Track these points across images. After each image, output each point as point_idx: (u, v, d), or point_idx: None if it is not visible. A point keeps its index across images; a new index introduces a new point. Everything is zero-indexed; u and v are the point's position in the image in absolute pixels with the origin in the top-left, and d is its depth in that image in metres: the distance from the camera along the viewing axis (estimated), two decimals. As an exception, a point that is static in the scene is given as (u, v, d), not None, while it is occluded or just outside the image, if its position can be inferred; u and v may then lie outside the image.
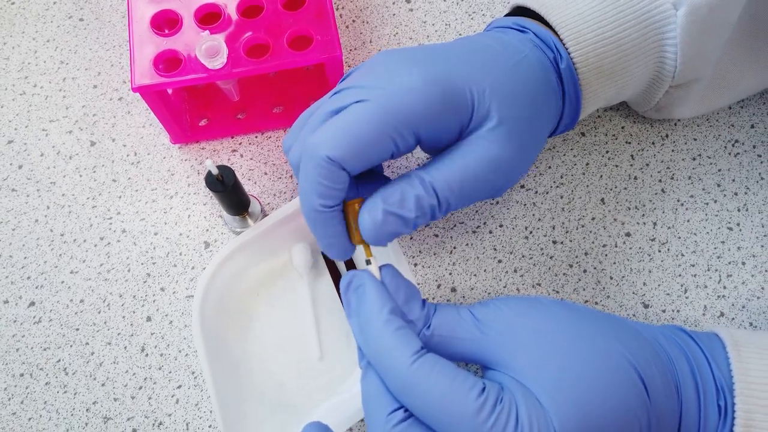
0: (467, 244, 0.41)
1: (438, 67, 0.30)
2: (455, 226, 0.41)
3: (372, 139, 0.29)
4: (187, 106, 0.44)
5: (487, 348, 0.29)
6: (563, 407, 0.26)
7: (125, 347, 0.39)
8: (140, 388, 0.38)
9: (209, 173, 0.36)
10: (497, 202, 0.42)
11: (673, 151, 0.43)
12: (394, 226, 0.29)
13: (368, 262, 0.30)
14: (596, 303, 0.39)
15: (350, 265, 0.39)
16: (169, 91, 0.43)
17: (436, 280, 0.40)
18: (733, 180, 0.42)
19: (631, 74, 0.36)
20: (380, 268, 0.30)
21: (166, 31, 0.39)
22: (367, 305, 0.29)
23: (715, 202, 0.41)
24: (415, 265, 0.40)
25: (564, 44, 0.34)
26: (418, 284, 0.40)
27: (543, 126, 0.33)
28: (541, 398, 0.27)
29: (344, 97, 0.30)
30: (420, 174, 0.30)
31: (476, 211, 0.41)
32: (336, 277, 0.39)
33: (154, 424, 0.37)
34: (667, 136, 0.43)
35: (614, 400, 0.27)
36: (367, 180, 0.33)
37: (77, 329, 0.39)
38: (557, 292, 0.39)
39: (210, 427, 0.37)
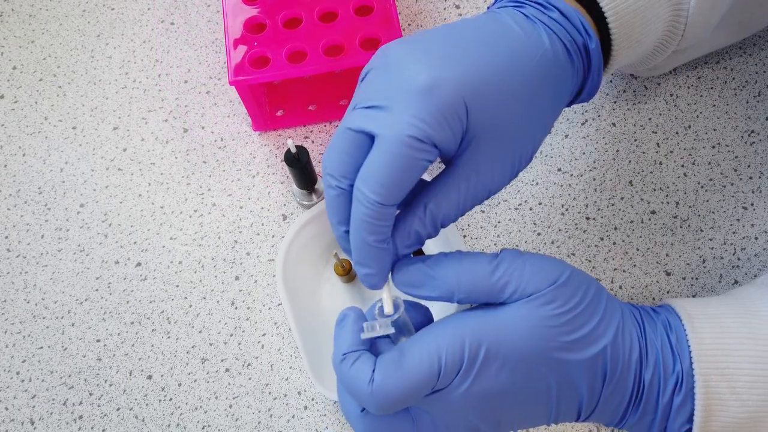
0: (510, 219, 0.47)
1: (438, 74, 0.30)
2: (499, 203, 0.47)
3: (402, 169, 0.30)
4: (267, 99, 0.51)
5: None
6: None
7: (218, 301, 0.46)
8: (231, 335, 0.45)
9: (288, 151, 0.43)
10: (537, 183, 0.47)
11: (694, 140, 0.48)
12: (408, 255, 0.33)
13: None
14: (624, 270, 0.44)
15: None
16: (252, 85, 0.50)
17: (483, 251, 0.46)
18: (749, 166, 0.47)
19: (647, 42, 0.37)
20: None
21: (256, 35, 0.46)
22: (336, 343, 0.32)
23: (732, 184, 0.46)
24: (465, 236, 0.46)
25: (605, 16, 0.34)
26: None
27: (543, 120, 0.34)
28: None
29: (361, 119, 0.31)
30: (430, 208, 0.32)
31: (518, 191, 0.47)
32: None
33: (243, 365, 0.44)
34: (689, 126, 0.48)
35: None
36: None
37: (177, 286, 0.46)
38: (589, 261, 0.45)
39: (290, 368, 0.44)
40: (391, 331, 0.31)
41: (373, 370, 0.30)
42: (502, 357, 0.30)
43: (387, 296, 0.32)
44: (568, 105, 0.37)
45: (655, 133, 0.48)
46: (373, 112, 0.31)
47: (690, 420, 0.31)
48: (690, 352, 0.31)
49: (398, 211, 0.32)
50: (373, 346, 0.32)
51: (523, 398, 0.31)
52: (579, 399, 0.31)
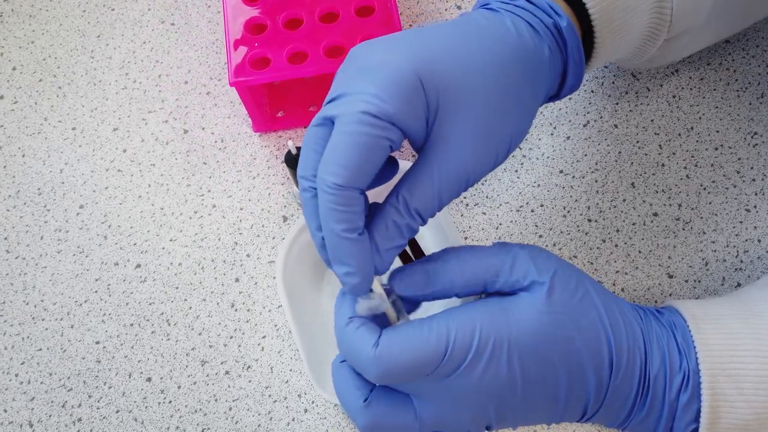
0: (512, 221, 0.46)
1: (389, 53, 0.30)
2: (501, 205, 0.47)
3: (360, 148, 0.29)
4: (267, 100, 0.51)
5: None
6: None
7: (218, 303, 0.45)
8: (231, 337, 0.44)
9: (288, 152, 0.43)
10: (538, 185, 0.47)
11: (697, 141, 0.48)
12: (394, 254, 0.31)
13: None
14: (626, 273, 0.44)
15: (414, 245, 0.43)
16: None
17: (484, 252, 0.46)
18: (752, 168, 0.47)
19: (634, 29, 0.36)
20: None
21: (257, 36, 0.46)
22: (339, 309, 0.32)
23: (735, 186, 0.46)
24: (466, 238, 0.46)
25: (584, 2, 0.34)
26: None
27: (520, 102, 0.32)
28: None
29: (322, 112, 0.31)
30: (403, 195, 0.30)
31: (520, 193, 0.47)
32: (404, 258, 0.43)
33: (243, 367, 0.44)
34: (692, 128, 0.48)
35: None
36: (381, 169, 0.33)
37: (177, 288, 0.46)
38: (591, 263, 0.45)
39: (291, 370, 0.43)
40: (388, 306, 0.31)
41: (379, 336, 0.30)
42: (514, 347, 0.29)
43: (376, 283, 0.31)
44: (560, 95, 0.36)
45: (658, 134, 0.48)
46: (333, 102, 0.31)
47: (696, 419, 0.31)
48: (696, 352, 0.31)
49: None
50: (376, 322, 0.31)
51: (531, 391, 0.30)
52: (587, 392, 0.31)
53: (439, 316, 0.30)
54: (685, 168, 0.47)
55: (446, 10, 0.54)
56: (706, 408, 0.31)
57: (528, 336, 0.30)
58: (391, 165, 0.33)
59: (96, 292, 0.46)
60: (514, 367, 0.30)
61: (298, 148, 0.43)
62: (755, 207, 0.45)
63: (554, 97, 0.36)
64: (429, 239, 0.45)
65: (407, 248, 0.39)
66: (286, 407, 0.42)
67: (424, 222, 0.31)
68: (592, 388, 0.31)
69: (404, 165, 0.44)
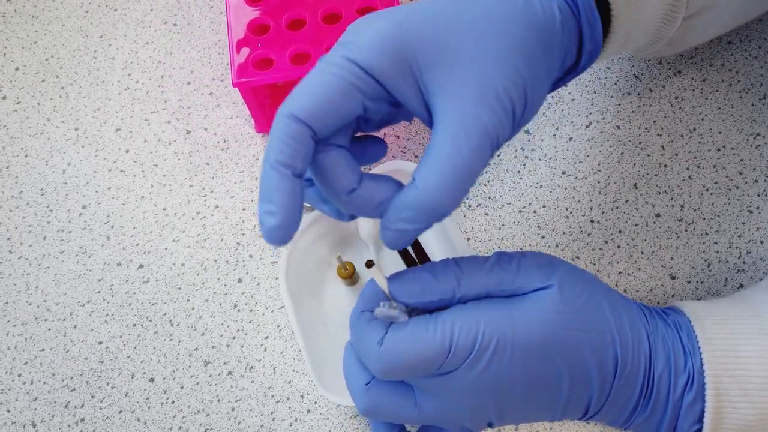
0: (514, 222, 0.46)
1: (385, 23, 0.29)
2: (503, 206, 0.47)
3: (326, 86, 0.28)
4: (270, 100, 0.51)
5: None
6: None
7: (220, 304, 0.45)
8: (234, 338, 0.44)
9: None
10: (541, 186, 0.47)
11: (699, 142, 0.48)
12: (412, 234, 0.29)
13: (369, 264, 0.32)
14: (628, 274, 0.44)
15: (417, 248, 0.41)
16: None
17: (487, 253, 0.46)
18: (754, 169, 0.47)
19: (647, 7, 0.34)
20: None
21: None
22: (359, 299, 0.32)
23: (737, 188, 0.46)
24: (468, 239, 0.46)
25: None
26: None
27: (533, 60, 0.30)
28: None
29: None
30: (420, 176, 0.28)
31: (522, 194, 0.47)
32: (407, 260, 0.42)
33: (246, 368, 0.44)
34: (694, 129, 0.48)
35: None
36: (363, 146, 0.32)
37: (179, 288, 0.46)
38: (594, 264, 0.45)
39: (293, 371, 0.43)
40: (405, 318, 0.31)
41: (386, 333, 0.30)
42: (518, 346, 0.29)
43: (380, 278, 0.31)
44: (578, 68, 0.33)
45: (660, 135, 0.48)
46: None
47: (700, 420, 0.31)
48: (700, 352, 0.31)
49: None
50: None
51: (533, 389, 0.30)
52: (590, 391, 0.31)
53: (444, 315, 0.30)
54: (688, 169, 0.47)
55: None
56: (710, 408, 0.31)
57: (532, 337, 0.30)
58: (376, 144, 0.32)
59: (99, 292, 0.46)
60: (516, 368, 0.30)
61: None
62: (758, 208, 0.45)
63: (573, 69, 0.34)
64: (432, 240, 0.45)
65: (410, 250, 0.40)
66: (289, 408, 0.42)
67: (456, 203, 0.28)
68: (595, 388, 0.31)
69: (401, 164, 0.44)
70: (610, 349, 0.31)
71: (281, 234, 0.27)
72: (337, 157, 0.29)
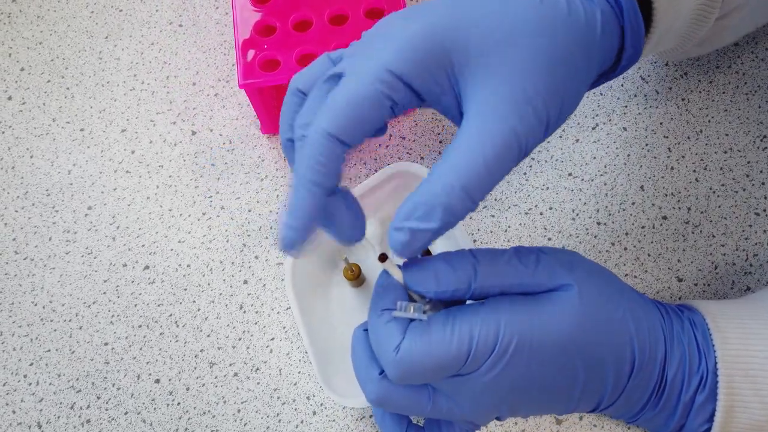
0: (520, 224, 0.46)
1: (418, 26, 0.28)
2: (509, 208, 0.47)
3: (365, 101, 0.27)
4: (276, 102, 0.51)
5: None
6: None
7: (226, 305, 0.45)
8: (239, 339, 0.44)
9: None
10: (547, 188, 0.47)
11: (706, 144, 0.48)
12: (423, 236, 0.28)
13: (382, 258, 0.31)
14: (635, 276, 0.44)
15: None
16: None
17: (493, 255, 0.46)
18: (761, 171, 0.46)
19: (684, 8, 0.33)
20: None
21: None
22: (377, 297, 0.32)
23: (744, 190, 0.46)
24: (474, 241, 0.46)
25: None
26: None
27: (570, 64, 0.29)
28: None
29: (337, 68, 0.30)
30: (438, 172, 0.28)
31: (528, 196, 0.47)
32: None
33: (251, 369, 0.44)
34: (701, 131, 0.48)
35: None
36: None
37: (185, 289, 0.46)
38: (600, 266, 0.45)
39: (299, 372, 0.43)
40: (424, 318, 0.30)
41: (403, 338, 0.29)
42: (536, 350, 0.29)
43: (395, 270, 0.31)
44: (617, 68, 0.33)
45: (667, 137, 0.48)
46: (344, 60, 0.30)
47: (710, 419, 0.31)
48: (714, 351, 0.31)
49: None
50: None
51: (548, 389, 0.30)
52: (604, 390, 0.31)
53: (463, 316, 0.29)
54: (695, 171, 0.47)
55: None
56: (721, 408, 0.31)
57: (551, 340, 0.29)
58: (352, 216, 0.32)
59: (104, 293, 0.46)
60: (534, 370, 0.29)
61: None
62: (765, 210, 0.45)
63: (609, 72, 0.33)
64: (437, 241, 0.45)
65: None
66: (295, 409, 0.42)
67: (474, 202, 0.28)
68: (608, 388, 0.31)
69: (407, 166, 0.44)
70: (628, 351, 0.31)
71: (295, 247, 0.29)
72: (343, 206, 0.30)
